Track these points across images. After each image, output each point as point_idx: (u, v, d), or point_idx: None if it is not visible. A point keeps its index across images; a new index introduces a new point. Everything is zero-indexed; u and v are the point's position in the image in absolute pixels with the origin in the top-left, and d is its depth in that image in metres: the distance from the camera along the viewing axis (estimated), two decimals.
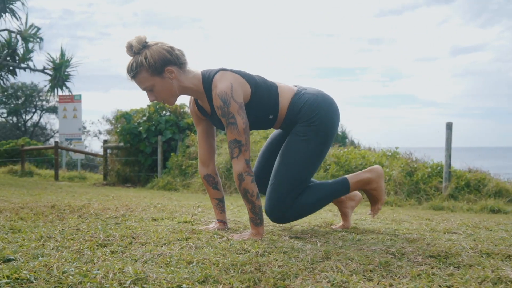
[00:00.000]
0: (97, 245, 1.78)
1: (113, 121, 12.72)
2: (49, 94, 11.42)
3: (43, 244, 1.79)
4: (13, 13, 10.70)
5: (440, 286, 1.30)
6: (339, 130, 17.17)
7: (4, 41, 10.57)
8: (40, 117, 28.13)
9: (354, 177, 2.44)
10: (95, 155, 15.11)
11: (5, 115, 27.87)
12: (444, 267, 1.55)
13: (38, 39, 10.64)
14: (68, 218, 2.58)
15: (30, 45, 10.67)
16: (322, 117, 2.26)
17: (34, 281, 1.27)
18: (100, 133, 25.92)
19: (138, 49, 2.15)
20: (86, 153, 15.26)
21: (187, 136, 10.12)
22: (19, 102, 26.88)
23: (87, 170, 15.87)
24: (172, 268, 1.41)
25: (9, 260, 1.52)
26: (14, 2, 10.61)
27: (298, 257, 1.63)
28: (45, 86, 11.23)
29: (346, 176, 2.44)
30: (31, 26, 10.51)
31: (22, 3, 10.54)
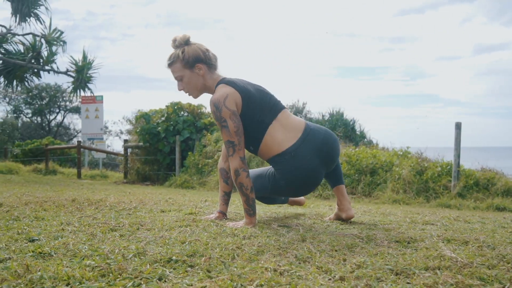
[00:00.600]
0: (109, 230, 2.08)
1: (133, 121, 13.09)
2: (71, 95, 11.82)
3: (63, 229, 2.08)
4: (37, 17, 11.14)
5: (385, 261, 1.55)
6: (358, 129, 17.34)
7: (29, 45, 11.00)
8: (64, 117, 28.83)
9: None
10: (116, 154, 15.54)
11: (30, 115, 28.63)
12: (402, 249, 1.80)
13: (61, 42, 11.05)
14: (85, 209, 2.88)
15: (54, 48, 11.08)
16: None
17: (54, 255, 1.56)
18: (121, 132, 26.44)
19: (180, 43, 2.55)
20: (107, 152, 15.70)
21: (204, 136, 10.42)
22: (43, 103, 27.58)
23: (108, 169, 16.32)
24: (168, 246, 1.69)
25: (33, 240, 1.81)
26: (38, 7, 11.04)
27: (278, 240, 1.90)
28: (68, 87, 11.58)
29: None
30: (54, 30, 10.92)
31: (46, 8, 10.97)
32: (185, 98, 14.10)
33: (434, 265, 1.49)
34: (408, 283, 1.30)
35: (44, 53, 11.12)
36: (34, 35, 10.93)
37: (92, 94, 12.05)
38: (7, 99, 27.98)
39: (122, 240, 1.83)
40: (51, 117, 28.79)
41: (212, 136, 10.12)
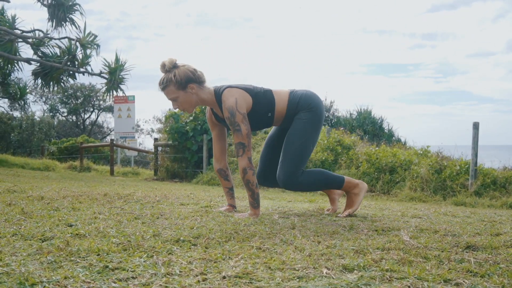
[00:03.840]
0: (133, 218, 2.48)
1: (163, 121, 13.61)
2: (105, 95, 12.39)
3: (95, 217, 2.49)
4: (72, 22, 11.74)
5: (353, 244, 1.90)
6: (386, 128, 17.47)
7: (64, 48, 11.61)
8: (98, 116, 29.85)
9: (348, 179, 3.04)
10: (147, 152, 16.13)
11: (65, 114, 29.70)
12: (375, 236, 2.14)
13: (95, 46, 11.62)
14: (115, 202, 3.29)
15: (88, 51, 11.66)
16: (316, 104, 2.95)
17: (87, 236, 1.96)
18: (152, 131, 27.15)
19: (169, 68, 2.84)
20: (138, 150, 16.29)
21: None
22: (78, 102, 28.58)
23: (140, 166, 16.93)
24: (178, 231, 2.07)
25: (71, 225, 2.22)
26: (73, 12, 11.64)
27: (271, 227, 2.27)
28: (102, 88, 12.14)
29: (344, 176, 3.04)
30: (89, 33, 11.49)
31: (81, 13, 11.56)
32: None
33: (389, 246, 1.83)
34: (361, 258, 1.65)
35: (79, 56, 11.70)
36: (70, 39, 11.52)
37: (124, 95, 12.60)
38: (44, 99, 29.11)
39: (143, 226, 2.22)
40: (86, 116, 29.81)
41: None
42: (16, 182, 5.74)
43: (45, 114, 27.96)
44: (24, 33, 11.51)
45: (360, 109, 18.56)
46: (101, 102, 28.77)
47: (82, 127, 29.34)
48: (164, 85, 2.83)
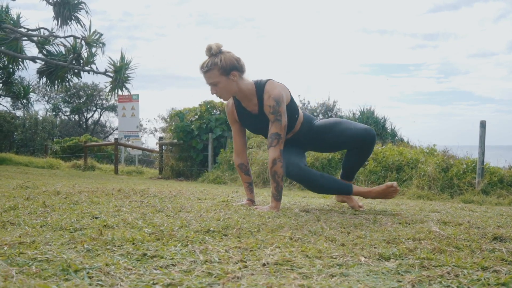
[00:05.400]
0: (156, 211, 2.48)
1: (168, 119, 13.63)
2: (110, 94, 12.40)
3: (118, 210, 2.50)
4: (78, 20, 11.75)
5: (382, 235, 1.90)
6: (388, 127, 17.48)
7: (70, 46, 11.62)
8: (100, 115, 29.83)
9: (357, 189, 3.01)
10: (151, 151, 16.14)
11: (68, 113, 29.70)
12: (401, 228, 2.15)
13: (100, 44, 11.63)
14: (132, 197, 3.30)
15: (93, 49, 11.67)
16: None
17: (116, 227, 1.96)
18: (156, 130, 27.16)
19: (215, 52, 2.83)
20: (143, 149, 16.30)
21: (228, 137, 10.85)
22: (81, 101, 28.59)
23: (143, 165, 16.95)
24: (206, 222, 2.08)
25: (96, 217, 2.22)
26: (79, 11, 11.65)
27: (296, 219, 2.27)
28: (106, 87, 12.16)
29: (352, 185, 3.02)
30: (94, 32, 11.51)
31: (86, 11, 11.58)
32: (217, 98, 14.53)
33: (420, 237, 1.83)
34: (394, 247, 1.65)
35: (84, 54, 11.72)
36: (75, 37, 11.53)
37: (129, 94, 12.62)
38: (46, 98, 29.13)
39: (168, 218, 2.22)
40: (88, 115, 29.82)
41: None
42: (25, 179, 5.75)
43: (48, 113, 27.98)
44: (30, 32, 11.52)
45: (363, 109, 18.59)
46: (104, 101, 28.79)
47: (84, 126, 29.35)
48: (208, 68, 2.82)
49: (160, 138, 13.31)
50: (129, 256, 1.45)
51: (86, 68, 11.83)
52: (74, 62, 11.72)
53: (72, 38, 11.58)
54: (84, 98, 28.49)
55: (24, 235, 1.74)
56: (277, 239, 1.73)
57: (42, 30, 11.62)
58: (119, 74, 11.83)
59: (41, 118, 22.63)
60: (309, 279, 1.25)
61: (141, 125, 28.25)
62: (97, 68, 11.93)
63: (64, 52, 11.81)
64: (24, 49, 11.47)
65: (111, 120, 31.23)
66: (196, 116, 11.71)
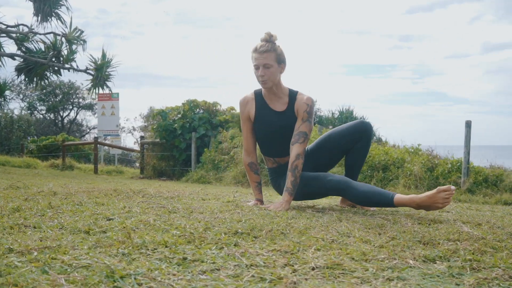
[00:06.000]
0: (168, 212, 2.40)
1: (150, 118, 13.47)
2: (90, 92, 12.18)
3: (129, 211, 2.41)
4: (58, 17, 11.50)
5: (413, 235, 1.87)
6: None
7: (50, 43, 11.37)
8: (77, 114, 29.32)
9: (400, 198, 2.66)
10: (133, 150, 15.93)
11: (44, 111, 29.12)
12: (425, 228, 2.12)
13: (81, 41, 11.41)
14: (135, 197, 3.21)
15: (74, 47, 11.44)
16: None
17: (137, 230, 1.88)
18: (134, 129, 26.82)
19: (274, 40, 2.93)
20: (123, 149, 16.08)
21: (220, 133, 10.75)
22: (57, 100, 28.05)
23: (123, 165, 16.72)
24: (228, 224, 2.01)
25: (110, 219, 2.13)
26: (59, 7, 11.41)
27: (317, 220, 2.22)
28: (87, 85, 11.91)
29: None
30: (75, 29, 11.28)
31: (67, 8, 11.34)
32: (200, 96, 14.47)
33: (454, 237, 1.80)
34: (434, 248, 1.62)
35: (64, 51, 11.48)
36: (55, 34, 11.29)
37: (110, 92, 12.42)
38: (21, 96, 28.50)
39: (184, 220, 2.14)
40: (64, 114, 29.28)
41: (228, 133, 10.43)
42: (10, 179, 5.58)
43: (23, 111, 27.39)
44: (8, 28, 11.23)
45: (342, 109, 18.71)
46: (81, 100, 28.31)
47: (60, 125, 28.82)
48: (268, 49, 2.88)
49: (142, 137, 13.15)
50: (168, 261, 1.37)
51: (66, 65, 11.59)
52: (54, 59, 11.46)
53: (52, 35, 11.33)
54: (61, 96, 27.96)
55: (45, 239, 1.65)
56: (312, 241, 1.68)
57: (21, 27, 11.34)
58: (100, 72, 11.63)
59: (16, 116, 22.15)
60: (367, 283, 1.20)
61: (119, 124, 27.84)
62: (77, 66, 11.72)
63: (43, 49, 11.54)
64: (2, 46, 11.18)
65: (88, 119, 30.81)
66: (179, 115, 11.58)
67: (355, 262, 1.39)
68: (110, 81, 11.89)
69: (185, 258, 1.39)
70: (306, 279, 1.22)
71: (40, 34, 11.39)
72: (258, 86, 3.03)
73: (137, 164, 18.60)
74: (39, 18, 11.19)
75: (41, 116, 29.20)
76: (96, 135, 15.24)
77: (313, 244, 1.62)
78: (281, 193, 3.02)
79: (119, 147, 14.81)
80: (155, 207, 2.61)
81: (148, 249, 1.50)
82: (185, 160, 11.63)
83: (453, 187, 2.44)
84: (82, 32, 11.38)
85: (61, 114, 29.19)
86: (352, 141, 3.01)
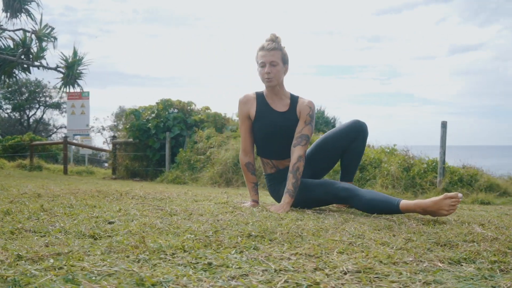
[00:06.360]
0: (169, 214, 2.32)
1: (122, 118, 13.24)
2: (61, 91, 11.89)
3: (126, 214, 2.32)
4: (28, 13, 11.18)
5: (427, 237, 1.85)
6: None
7: (19, 40, 11.03)
8: (44, 113, 28.61)
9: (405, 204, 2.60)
10: (104, 150, 15.63)
11: (9, 110, 28.32)
12: (433, 229, 2.10)
13: (52, 38, 11.12)
14: (125, 199, 3.11)
15: (44, 44, 11.14)
16: None
17: (143, 233, 1.80)
18: (103, 129, 26.36)
19: (279, 41, 2.96)
20: (95, 149, 15.77)
21: (195, 133, 10.62)
22: (23, 98, 27.32)
23: (93, 165, 16.39)
24: (236, 226, 1.95)
25: (111, 223, 2.04)
26: (29, 3, 11.09)
27: (323, 222, 2.18)
28: (57, 83, 11.63)
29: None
30: (45, 26, 10.98)
31: (37, 4, 11.03)
32: (174, 95, 14.34)
33: (469, 239, 1.79)
34: (455, 250, 1.60)
35: (34, 49, 11.17)
36: (25, 31, 10.96)
37: (82, 91, 12.15)
38: None
39: (191, 222, 2.07)
40: (31, 113, 28.54)
41: (204, 132, 10.32)
42: None
43: None
44: None
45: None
46: (47, 99, 27.65)
47: (26, 124, 28.09)
48: (275, 47, 2.91)
49: (114, 137, 12.90)
50: (192, 266, 1.31)
51: (36, 63, 11.27)
52: (23, 56, 11.13)
53: (21, 31, 11.00)
54: (27, 94, 27.24)
55: (51, 244, 1.57)
56: (331, 243, 1.64)
57: None
58: (71, 70, 11.36)
59: None
60: None
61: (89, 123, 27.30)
62: (47, 64, 11.41)
63: (12, 46, 11.18)
64: None
65: (55, 118, 30.10)
66: (153, 115, 11.40)
67: (385, 266, 1.35)
68: (81, 79, 11.62)
69: (209, 264, 1.33)
70: (343, 284, 1.18)
71: (9, 30, 11.03)
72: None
73: (106, 165, 18.29)
74: (8, 14, 10.86)
75: (6, 115, 28.40)
76: (65, 135, 14.90)
77: (334, 246, 1.57)
78: (279, 200, 2.97)
79: (90, 147, 14.51)
80: (152, 209, 2.53)
81: (166, 254, 1.43)
82: (159, 160, 11.47)
83: (460, 195, 2.40)
84: (53, 29, 11.09)
85: (27, 113, 28.45)
86: (348, 140, 3.00)
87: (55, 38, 11.24)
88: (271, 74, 2.90)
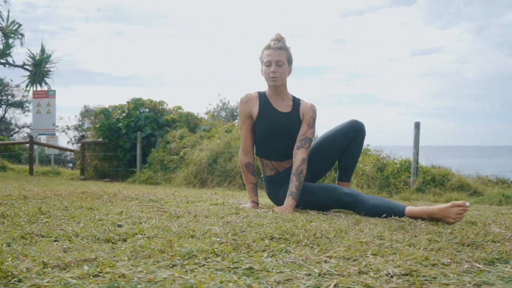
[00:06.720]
0: (176, 216, 2.25)
1: (91, 117, 12.95)
2: (27, 89, 11.56)
3: (130, 216, 2.23)
4: None
5: (449, 237, 1.85)
6: None
7: None
8: (5, 112, 27.73)
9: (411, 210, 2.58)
10: (72, 150, 15.25)
11: None
12: (446, 229, 2.11)
13: (19, 35, 10.80)
14: (117, 201, 3.01)
15: (10, 40, 10.81)
16: None
17: (155, 237, 1.74)
18: (68, 128, 25.76)
19: (284, 41, 2.96)
20: (62, 149, 15.38)
21: (167, 132, 10.47)
22: None
23: (59, 166, 15.98)
24: (252, 228, 1.90)
25: (120, 226, 1.96)
26: None
27: (336, 223, 2.16)
28: (23, 81, 11.28)
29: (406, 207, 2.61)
30: (12, 22, 10.66)
31: (5, 0, 10.68)
32: (145, 95, 14.11)
33: (490, 238, 1.80)
34: (483, 252, 1.60)
35: (0, 46, 10.83)
36: None
37: (49, 88, 11.83)
38: None
39: (201, 224, 2.01)
40: None
41: (177, 132, 10.18)
42: None
43: None
44: None
45: None
46: (10, 97, 26.82)
47: None
48: (281, 47, 2.91)
49: (82, 137, 12.63)
50: (233, 272, 1.26)
51: (2, 60, 10.94)
52: None
53: None
54: None
55: (69, 250, 1.49)
56: (360, 246, 1.60)
57: None
58: (39, 68, 11.08)
59: None
60: None
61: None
62: (13, 61, 11.08)
63: None
64: None
65: (17, 117, 29.20)
66: (124, 114, 11.19)
67: (428, 268, 1.33)
68: (49, 77, 11.35)
69: (250, 268, 1.28)
70: None
71: None
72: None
73: (71, 165, 17.86)
74: None
75: None
76: (29, 134, 14.47)
77: (365, 248, 1.55)
78: (279, 204, 2.93)
79: (57, 147, 14.13)
80: (154, 210, 2.45)
81: (199, 259, 1.38)
82: (129, 160, 11.25)
83: (468, 203, 2.36)
84: (20, 25, 10.79)
85: None
86: (347, 141, 2.99)
87: (22, 35, 10.96)
88: (277, 74, 2.88)
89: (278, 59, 2.87)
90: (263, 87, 3.01)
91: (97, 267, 1.24)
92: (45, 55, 11.07)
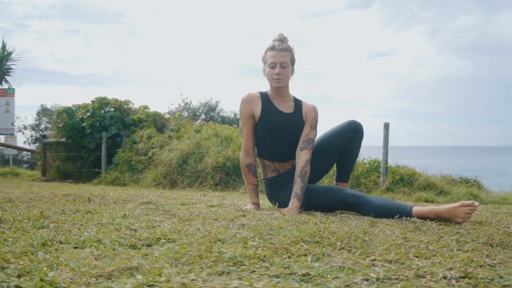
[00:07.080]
0: (188, 219, 2.17)
1: (52, 117, 12.56)
2: None
3: (138, 221, 2.15)
4: None
5: (473, 236, 1.86)
6: None
7: None
8: None
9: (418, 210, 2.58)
10: (32, 151, 14.75)
11: None
12: (461, 230, 2.12)
13: None
14: (109, 204, 2.90)
15: None
16: None
17: (178, 240, 1.67)
18: (25, 128, 24.89)
19: (287, 42, 2.94)
20: (21, 149, 14.85)
21: (134, 132, 10.26)
22: None
23: (18, 166, 15.45)
24: (275, 231, 1.85)
25: (134, 230, 1.88)
26: None
27: (351, 225, 2.14)
28: None
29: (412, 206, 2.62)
30: None
31: None
32: (109, 94, 13.79)
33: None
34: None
35: None
36: None
37: (9, 87, 11.40)
38: None
39: (220, 228, 1.94)
40: None
41: (144, 132, 9.99)
42: None
43: None
44: None
45: None
46: None
47: None
48: (286, 48, 2.90)
49: (44, 137, 12.22)
50: (291, 278, 1.21)
51: None
52: None
53: None
54: None
55: (100, 257, 1.41)
56: (398, 248, 1.58)
57: None
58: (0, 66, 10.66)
59: None
60: None
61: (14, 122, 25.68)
62: None
63: None
64: None
65: None
66: (88, 114, 10.90)
67: (479, 269, 1.32)
68: (10, 75, 10.94)
69: (307, 274, 1.24)
70: None
71: None
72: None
73: (27, 165, 17.30)
74: None
75: None
76: None
77: (404, 251, 1.53)
78: (281, 206, 2.86)
79: (16, 147, 13.64)
80: (160, 213, 2.37)
81: (244, 264, 1.32)
82: (94, 161, 10.97)
83: (476, 203, 2.34)
84: None
85: None
86: (346, 141, 2.98)
87: None
88: (281, 76, 2.87)
89: (283, 61, 2.86)
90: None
91: (149, 276, 1.17)
92: (5, 52, 10.65)
